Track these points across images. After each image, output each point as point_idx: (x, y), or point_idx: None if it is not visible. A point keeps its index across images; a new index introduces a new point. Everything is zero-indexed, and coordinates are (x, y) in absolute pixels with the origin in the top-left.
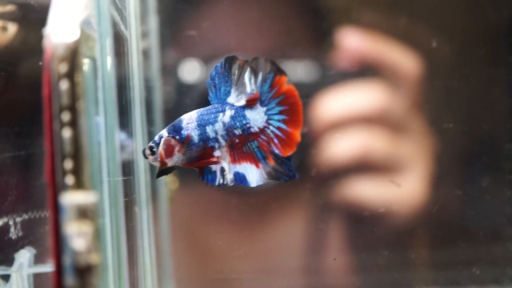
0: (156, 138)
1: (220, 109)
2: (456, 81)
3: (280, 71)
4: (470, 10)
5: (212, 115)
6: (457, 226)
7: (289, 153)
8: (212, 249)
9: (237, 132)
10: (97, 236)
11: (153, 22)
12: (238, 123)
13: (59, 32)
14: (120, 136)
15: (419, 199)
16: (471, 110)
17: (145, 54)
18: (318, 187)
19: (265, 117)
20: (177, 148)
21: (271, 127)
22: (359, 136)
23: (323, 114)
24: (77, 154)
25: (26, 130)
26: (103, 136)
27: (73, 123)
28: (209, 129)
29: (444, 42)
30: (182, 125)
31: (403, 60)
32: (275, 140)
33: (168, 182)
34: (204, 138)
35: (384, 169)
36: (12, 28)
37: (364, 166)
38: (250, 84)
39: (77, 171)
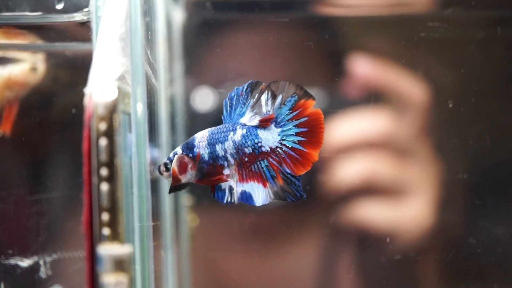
0: (171, 155)
1: (231, 128)
2: (463, 107)
3: (307, 95)
4: (480, 47)
5: (223, 134)
6: (464, 249)
7: (302, 172)
8: (230, 278)
9: (247, 150)
10: (131, 285)
11: (178, 68)
12: (249, 142)
13: (99, 92)
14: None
15: (425, 223)
16: (477, 135)
17: (172, 100)
18: (326, 210)
19: (279, 138)
20: (190, 166)
21: (284, 148)
22: (366, 161)
23: (331, 139)
24: (113, 207)
25: (56, 172)
26: (136, 186)
27: (111, 178)
28: (218, 147)
29: (451, 72)
30: (195, 143)
31: (411, 88)
32: (288, 160)
33: (189, 221)
34: (213, 156)
35: (390, 193)
36: (42, 68)
37: (371, 190)
38: (266, 105)
39: (113, 223)
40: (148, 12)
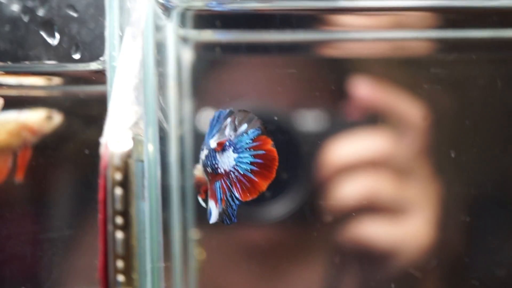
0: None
1: (201, 148)
2: (462, 129)
3: (268, 134)
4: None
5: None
6: (463, 268)
7: (248, 198)
8: None
9: (209, 170)
10: None
11: (187, 108)
12: (209, 162)
13: (114, 142)
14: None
15: (425, 241)
16: (477, 156)
17: (181, 140)
18: (328, 228)
19: (234, 163)
20: None
21: (236, 173)
22: (367, 180)
23: (333, 159)
24: (127, 254)
25: (69, 210)
26: (148, 231)
27: (125, 226)
28: (197, 166)
29: (451, 97)
30: None
31: (410, 110)
32: (238, 185)
33: (196, 255)
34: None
35: (391, 211)
36: (57, 118)
37: (371, 209)
38: (229, 131)
39: (127, 270)
40: (161, 61)
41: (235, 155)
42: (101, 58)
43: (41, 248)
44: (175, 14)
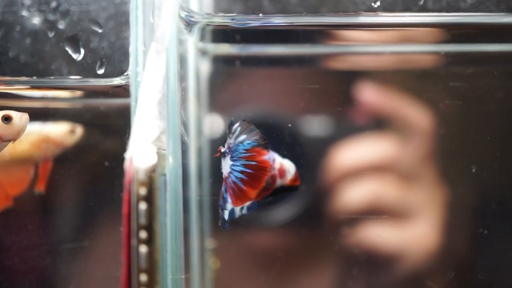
0: None
1: None
2: (467, 134)
3: (265, 147)
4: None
5: None
6: (468, 273)
7: (238, 205)
8: None
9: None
10: None
11: (205, 120)
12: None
13: (139, 157)
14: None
15: (430, 246)
16: (482, 162)
17: (199, 152)
18: (334, 232)
19: (229, 170)
20: None
21: (229, 179)
22: (372, 185)
23: (339, 163)
24: (151, 268)
25: (89, 221)
26: (170, 245)
27: (149, 241)
28: None
29: (457, 100)
30: None
31: (416, 115)
32: (231, 190)
33: (211, 264)
34: None
35: (396, 215)
36: (80, 131)
37: (377, 213)
38: (229, 139)
39: (150, 284)
40: (182, 75)
41: (231, 163)
42: (125, 74)
43: (60, 259)
44: (196, 29)
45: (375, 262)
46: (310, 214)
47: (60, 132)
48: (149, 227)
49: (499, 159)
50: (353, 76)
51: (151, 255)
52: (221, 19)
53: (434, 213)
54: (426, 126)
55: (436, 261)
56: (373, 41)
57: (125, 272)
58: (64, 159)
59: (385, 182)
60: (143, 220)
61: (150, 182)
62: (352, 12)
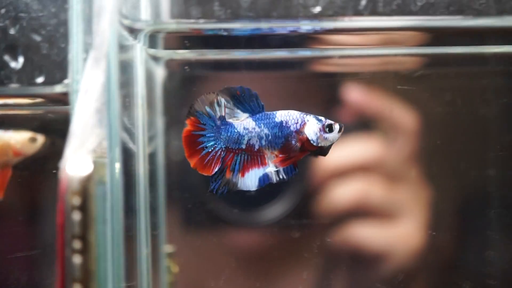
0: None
1: None
2: (451, 135)
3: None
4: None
5: None
6: (453, 271)
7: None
8: None
9: None
10: None
11: (159, 125)
12: None
13: (74, 166)
14: None
15: (415, 244)
16: (464, 161)
17: (152, 156)
18: (320, 231)
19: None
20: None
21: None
22: (359, 184)
23: (326, 163)
24: (85, 279)
25: (39, 228)
26: (110, 254)
27: (83, 251)
28: None
29: (440, 102)
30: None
31: (401, 115)
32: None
33: (169, 268)
34: None
35: (382, 215)
36: (41, 139)
37: (363, 212)
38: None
39: None
40: (128, 81)
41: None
42: (65, 81)
43: (10, 267)
44: (142, 36)
45: (361, 260)
46: (297, 213)
47: (21, 139)
48: (83, 237)
49: (480, 159)
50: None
51: (85, 265)
52: (167, 26)
53: (418, 212)
54: (411, 127)
55: (421, 260)
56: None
57: (59, 283)
58: (14, 167)
59: (371, 182)
60: (77, 230)
61: (85, 191)
62: (302, 16)
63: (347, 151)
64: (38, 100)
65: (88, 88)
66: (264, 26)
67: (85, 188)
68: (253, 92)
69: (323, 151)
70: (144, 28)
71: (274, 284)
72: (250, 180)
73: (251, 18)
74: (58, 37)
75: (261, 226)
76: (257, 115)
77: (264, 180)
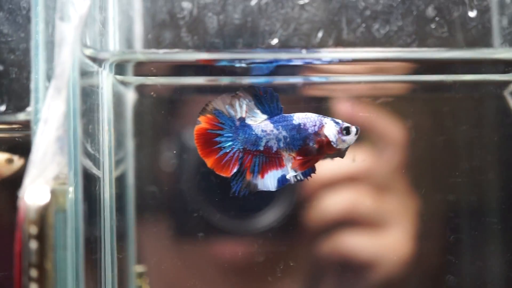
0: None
1: None
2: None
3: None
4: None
5: None
6: (440, 279)
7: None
8: None
9: None
10: None
11: (130, 147)
12: None
13: (32, 195)
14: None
15: (403, 253)
16: (450, 172)
17: (120, 179)
18: (310, 240)
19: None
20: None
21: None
22: (348, 194)
23: (316, 173)
24: None
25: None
26: (70, 280)
27: (40, 280)
28: None
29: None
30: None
31: (389, 127)
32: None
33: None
34: None
35: (371, 224)
36: (18, 162)
37: (352, 222)
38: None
39: None
40: (93, 107)
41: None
42: (27, 109)
43: None
44: (108, 65)
45: (350, 269)
46: (287, 223)
47: None
48: (40, 266)
49: (465, 170)
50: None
51: None
52: (132, 56)
53: (406, 222)
54: (399, 139)
55: (409, 269)
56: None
57: None
58: None
59: (359, 192)
60: (34, 259)
61: (42, 220)
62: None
63: (337, 162)
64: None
65: (48, 117)
66: (248, 56)
67: (43, 217)
68: (275, 94)
69: (341, 153)
70: (108, 58)
71: None
72: (269, 182)
73: (218, 45)
74: (23, 65)
75: (251, 236)
76: (275, 118)
77: (283, 181)
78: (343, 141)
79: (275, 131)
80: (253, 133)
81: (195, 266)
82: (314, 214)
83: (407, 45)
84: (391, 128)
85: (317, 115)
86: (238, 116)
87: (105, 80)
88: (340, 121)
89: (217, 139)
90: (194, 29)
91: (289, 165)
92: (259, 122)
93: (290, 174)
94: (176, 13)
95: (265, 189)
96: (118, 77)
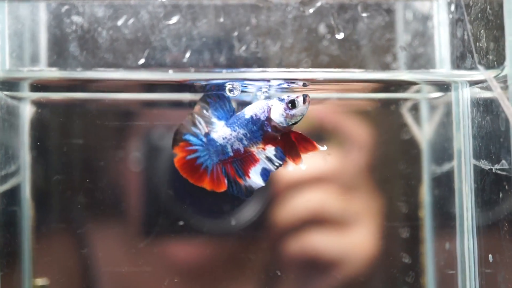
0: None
1: None
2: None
3: None
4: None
5: None
6: (404, 275)
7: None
8: None
9: None
10: None
11: (27, 157)
12: None
13: None
14: None
15: (368, 251)
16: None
17: (18, 189)
18: (277, 239)
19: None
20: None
21: None
22: (315, 194)
23: (284, 174)
24: None
25: None
26: None
27: None
28: None
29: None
30: None
31: (356, 129)
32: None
33: None
34: None
35: (337, 223)
36: None
37: (319, 221)
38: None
39: None
40: None
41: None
42: None
43: None
44: None
45: (317, 266)
46: (255, 222)
47: None
48: None
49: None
50: None
51: None
52: (12, 74)
53: (371, 221)
54: (365, 140)
55: (373, 266)
56: None
57: None
58: None
59: (327, 192)
60: None
61: None
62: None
63: (304, 163)
64: None
65: None
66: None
67: None
68: (226, 96)
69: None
70: None
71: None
72: (256, 179)
73: (108, 60)
74: None
75: (217, 236)
76: (230, 120)
77: (266, 174)
78: (293, 115)
79: (234, 133)
80: (218, 144)
81: (151, 270)
82: (282, 214)
83: (299, 61)
84: (357, 129)
85: (265, 100)
86: (203, 132)
87: None
88: (285, 97)
89: (198, 162)
90: (85, 44)
91: (262, 157)
92: (218, 131)
93: (265, 163)
94: (65, 27)
95: (257, 187)
96: (7, 93)
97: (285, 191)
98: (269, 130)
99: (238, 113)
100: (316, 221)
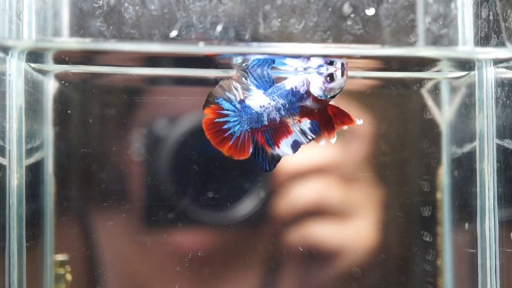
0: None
1: None
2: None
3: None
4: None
5: None
6: (403, 266)
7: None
8: None
9: None
10: None
11: (50, 133)
12: None
13: None
14: None
15: (368, 242)
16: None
17: (42, 164)
18: (279, 230)
19: None
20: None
21: None
22: (316, 185)
23: (286, 165)
24: None
25: None
26: None
27: None
28: None
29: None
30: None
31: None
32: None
33: (61, 275)
34: None
35: (338, 214)
36: None
37: (320, 212)
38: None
39: None
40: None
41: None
42: None
43: None
44: (16, 53)
45: (317, 257)
46: (257, 213)
47: None
48: None
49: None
50: None
51: None
52: (39, 44)
53: (372, 212)
54: (365, 131)
55: (373, 257)
56: None
57: None
58: None
59: (328, 183)
60: None
61: None
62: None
63: (305, 154)
64: None
65: None
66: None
67: None
68: (264, 67)
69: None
70: (16, 46)
71: (225, 285)
72: (285, 149)
73: (135, 36)
74: None
75: (219, 227)
76: (269, 90)
77: (296, 146)
78: (332, 89)
79: (273, 103)
80: (254, 111)
81: (153, 259)
82: (283, 204)
83: (323, 40)
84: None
85: (304, 74)
86: (238, 99)
87: (14, 68)
88: (324, 70)
89: (226, 126)
90: (110, 18)
91: (296, 129)
92: (256, 99)
93: (299, 136)
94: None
95: (285, 155)
96: (33, 65)
97: (286, 182)
98: (308, 103)
99: (278, 84)
100: (317, 211)
